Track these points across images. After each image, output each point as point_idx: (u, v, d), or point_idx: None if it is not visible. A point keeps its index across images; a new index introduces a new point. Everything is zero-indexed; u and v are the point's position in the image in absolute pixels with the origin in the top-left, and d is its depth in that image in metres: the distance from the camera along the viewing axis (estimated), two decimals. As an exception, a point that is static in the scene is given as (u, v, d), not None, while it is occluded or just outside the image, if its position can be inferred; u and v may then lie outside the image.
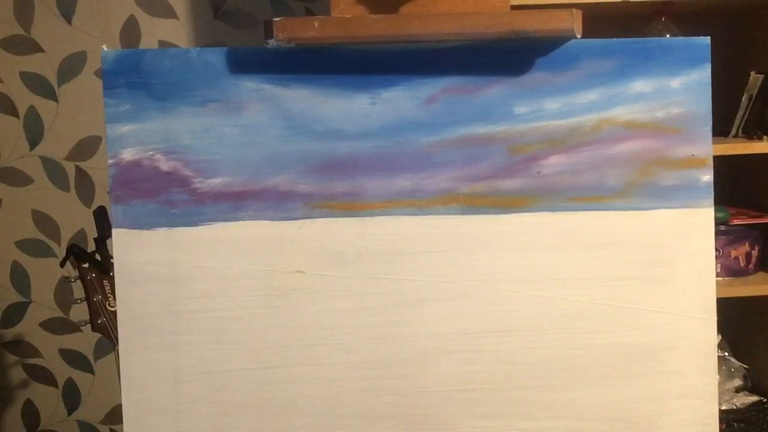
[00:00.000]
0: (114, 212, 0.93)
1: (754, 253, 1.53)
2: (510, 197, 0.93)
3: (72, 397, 1.90)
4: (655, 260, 0.93)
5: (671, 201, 0.93)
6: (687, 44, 0.92)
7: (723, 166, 1.32)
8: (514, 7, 1.15)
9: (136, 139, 0.92)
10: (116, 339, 1.21)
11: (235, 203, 0.93)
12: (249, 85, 0.92)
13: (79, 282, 1.39)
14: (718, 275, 1.50)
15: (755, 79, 1.52)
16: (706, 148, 0.93)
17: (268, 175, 0.93)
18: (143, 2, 1.75)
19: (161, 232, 0.93)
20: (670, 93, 0.92)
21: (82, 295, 1.39)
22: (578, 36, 0.88)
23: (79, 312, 1.80)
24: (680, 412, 0.94)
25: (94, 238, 1.40)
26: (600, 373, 0.94)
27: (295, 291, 0.93)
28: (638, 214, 0.93)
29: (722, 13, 1.67)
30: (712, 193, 0.93)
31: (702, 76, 0.92)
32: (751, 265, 1.53)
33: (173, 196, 0.92)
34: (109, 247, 1.36)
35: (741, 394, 1.58)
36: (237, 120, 0.92)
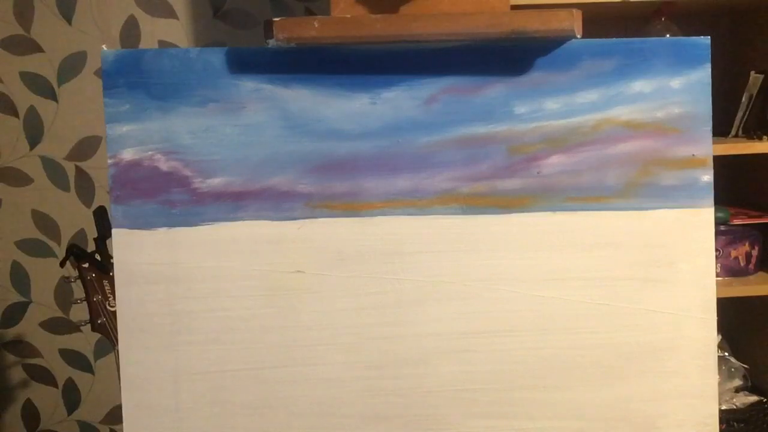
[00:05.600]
0: (114, 212, 0.93)
1: (754, 253, 1.53)
2: (510, 197, 0.93)
3: (72, 397, 1.90)
4: (655, 260, 0.93)
5: (671, 201, 0.93)
6: (687, 44, 0.92)
7: (723, 166, 1.32)
8: (514, 7, 1.15)
9: (136, 139, 0.92)
10: (116, 339, 1.21)
11: (235, 203, 0.93)
12: (249, 85, 0.92)
13: (79, 282, 1.39)
14: (718, 275, 1.50)
15: (755, 79, 1.52)
16: (706, 148, 0.93)
17: (268, 175, 0.93)
18: (143, 2, 1.75)
19: (161, 232, 0.93)
20: (670, 93, 0.92)
21: (82, 295, 1.39)
22: (578, 36, 0.88)
23: (79, 312, 1.80)
24: (680, 412, 0.94)
25: (94, 238, 1.40)
26: (600, 373, 0.94)
27: (295, 291, 0.93)
28: (638, 214, 0.93)
29: (722, 13, 1.67)
30: (712, 193, 0.93)
31: (702, 76, 0.92)
32: (751, 265, 1.53)
33: (173, 196, 0.92)
34: (109, 247, 1.36)
35: (741, 394, 1.58)
36: (237, 120, 0.92)
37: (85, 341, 1.87)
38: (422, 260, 0.93)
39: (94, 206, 1.72)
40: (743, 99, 1.53)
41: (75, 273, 1.40)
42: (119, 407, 1.09)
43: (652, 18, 1.49)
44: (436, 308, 0.94)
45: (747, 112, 1.52)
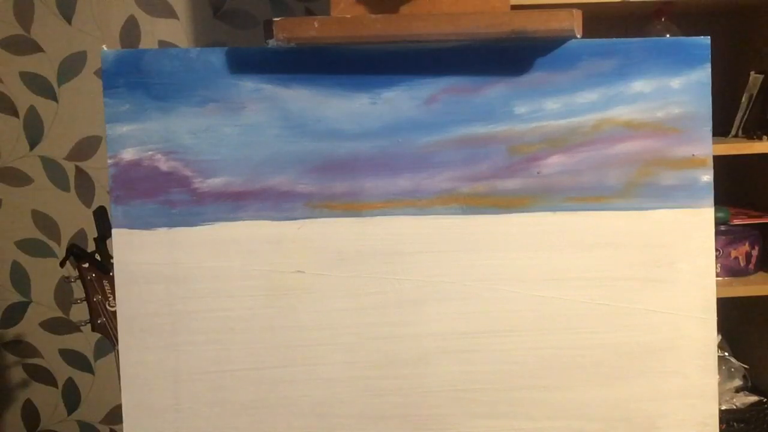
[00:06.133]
0: (114, 212, 0.93)
1: (754, 253, 1.53)
2: (510, 197, 0.93)
3: (72, 397, 1.90)
4: (655, 260, 0.93)
5: (671, 201, 0.93)
6: (687, 44, 0.92)
7: (723, 166, 1.32)
8: (514, 7, 1.15)
9: (136, 139, 0.92)
10: (116, 339, 1.21)
11: (235, 203, 0.93)
12: (249, 85, 0.92)
13: (79, 282, 1.40)
14: (718, 275, 1.50)
15: (755, 79, 1.52)
16: (706, 148, 0.92)
17: (268, 175, 0.93)
18: (143, 2, 1.75)
19: (161, 232, 0.93)
20: (670, 93, 0.92)
21: (82, 295, 1.39)
22: (578, 36, 0.88)
23: (79, 312, 1.80)
24: (680, 412, 0.94)
25: (94, 238, 1.40)
26: (600, 373, 0.94)
27: (295, 291, 0.93)
28: (638, 214, 0.93)
29: (722, 13, 1.67)
30: (712, 193, 0.93)
31: (702, 76, 0.92)
32: (751, 265, 1.53)
33: (173, 196, 0.92)
34: (109, 247, 1.36)
35: (741, 394, 1.58)
36: (237, 120, 0.92)
37: (85, 341, 1.87)
38: (422, 260, 0.93)
39: (94, 206, 1.72)
40: (743, 99, 1.53)
41: (75, 273, 1.40)
42: (119, 407, 1.09)
43: (652, 18, 1.50)
44: (436, 308, 0.94)
45: (747, 112, 1.52)
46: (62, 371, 1.89)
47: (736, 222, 1.53)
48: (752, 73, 1.53)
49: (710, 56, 0.92)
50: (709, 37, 0.92)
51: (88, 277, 1.38)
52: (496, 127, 0.92)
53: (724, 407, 1.55)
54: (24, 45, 1.75)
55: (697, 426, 0.94)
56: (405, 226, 0.93)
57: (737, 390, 1.58)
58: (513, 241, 0.93)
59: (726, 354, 1.60)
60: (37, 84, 1.77)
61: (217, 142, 0.92)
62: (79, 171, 1.81)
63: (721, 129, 1.52)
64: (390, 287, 0.93)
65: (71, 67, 1.77)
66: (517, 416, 0.94)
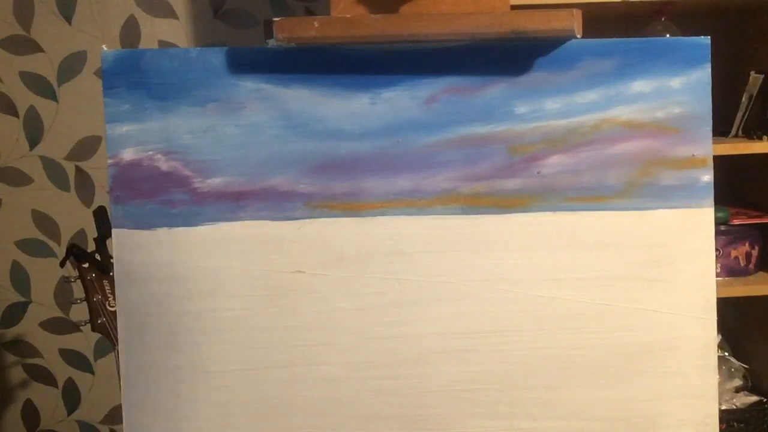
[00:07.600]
0: (114, 212, 0.93)
1: (754, 253, 1.53)
2: (510, 197, 0.93)
3: (72, 397, 1.90)
4: (655, 260, 0.93)
5: (671, 201, 0.93)
6: (687, 44, 0.92)
7: (723, 166, 1.32)
8: (514, 7, 1.15)
9: (136, 139, 0.92)
10: (116, 339, 1.21)
11: (235, 203, 0.93)
12: (249, 85, 0.92)
13: (79, 282, 1.39)
14: (718, 275, 1.50)
15: (755, 79, 1.52)
16: (706, 148, 0.93)
17: (268, 175, 0.93)
18: (143, 2, 1.75)
19: (161, 232, 0.93)
20: (670, 93, 0.92)
21: (82, 295, 1.39)
22: (578, 36, 0.88)
23: (79, 312, 1.80)
24: (680, 412, 0.94)
25: (94, 238, 1.40)
26: (600, 373, 0.94)
27: (295, 291, 0.93)
28: (638, 214, 0.93)
29: (722, 13, 1.67)
30: (712, 193, 0.93)
31: (702, 76, 0.92)
32: (751, 265, 1.53)
33: (173, 196, 0.92)
34: (109, 247, 1.36)
35: (741, 394, 1.58)
36: (237, 120, 0.92)
37: (85, 341, 1.87)
38: (422, 260, 0.93)
39: (94, 206, 1.72)
40: (743, 99, 1.53)
41: (75, 273, 1.40)
42: (119, 407, 1.09)
43: (652, 18, 1.49)
44: (436, 308, 0.94)
45: (747, 112, 1.52)
46: (62, 371, 1.89)
47: (736, 222, 1.53)
48: (752, 73, 1.53)
49: (710, 56, 0.92)
50: (709, 37, 0.91)
51: (88, 277, 1.38)
52: (496, 127, 0.92)
53: (724, 407, 1.54)
54: (24, 45, 1.75)
55: (697, 426, 0.94)
56: (405, 226, 0.93)
57: (737, 390, 1.58)
58: (513, 241, 0.93)
59: (726, 354, 1.60)
60: (37, 84, 1.77)
61: (217, 142, 0.92)
62: (79, 171, 1.81)
63: (721, 129, 1.52)
64: (390, 287, 0.93)
65: (71, 67, 1.77)
66: (517, 416, 0.94)
